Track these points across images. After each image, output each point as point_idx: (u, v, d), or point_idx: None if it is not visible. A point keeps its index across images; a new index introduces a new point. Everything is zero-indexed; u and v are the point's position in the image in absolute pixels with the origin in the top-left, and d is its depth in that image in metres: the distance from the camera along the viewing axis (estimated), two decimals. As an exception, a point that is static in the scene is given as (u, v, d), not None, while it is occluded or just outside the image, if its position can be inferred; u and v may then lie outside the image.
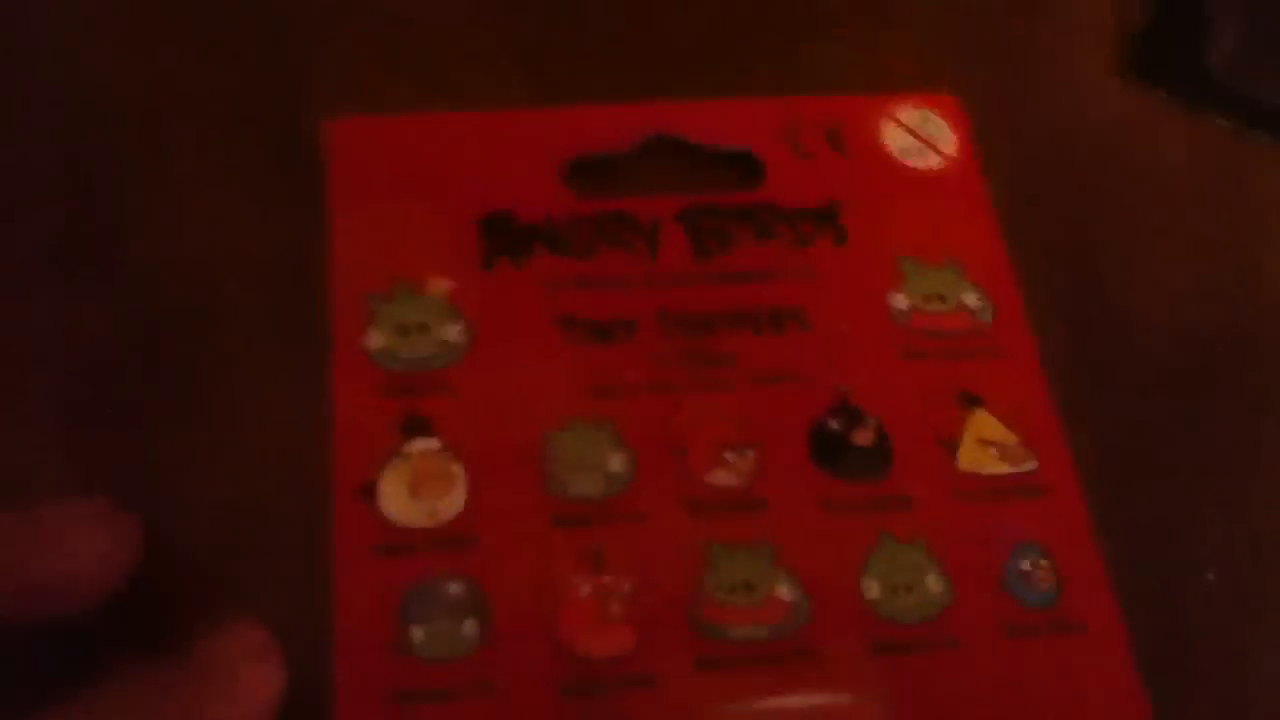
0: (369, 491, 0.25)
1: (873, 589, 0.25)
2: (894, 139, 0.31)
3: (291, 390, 0.26)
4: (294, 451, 0.26)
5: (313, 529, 0.25)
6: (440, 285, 0.28)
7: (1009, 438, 0.27)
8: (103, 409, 0.26)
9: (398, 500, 0.25)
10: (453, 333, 0.27)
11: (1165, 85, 0.33)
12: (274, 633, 0.21)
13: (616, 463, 0.26)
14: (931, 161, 0.31)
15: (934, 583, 0.25)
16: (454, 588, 0.24)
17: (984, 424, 0.27)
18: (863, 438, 0.27)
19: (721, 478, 0.26)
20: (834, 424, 0.27)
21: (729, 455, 0.26)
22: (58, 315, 0.27)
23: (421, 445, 0.26)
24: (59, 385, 0.26)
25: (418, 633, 0.24)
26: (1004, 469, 0.27)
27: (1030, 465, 0.27)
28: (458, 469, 0.26)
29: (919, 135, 0.31)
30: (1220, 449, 0.29)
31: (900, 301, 0.29)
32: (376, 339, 0.27)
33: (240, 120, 0.30)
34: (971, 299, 0.29)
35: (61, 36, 0.30)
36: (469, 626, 0.24)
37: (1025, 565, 0.26)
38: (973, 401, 0.28)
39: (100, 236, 0.28)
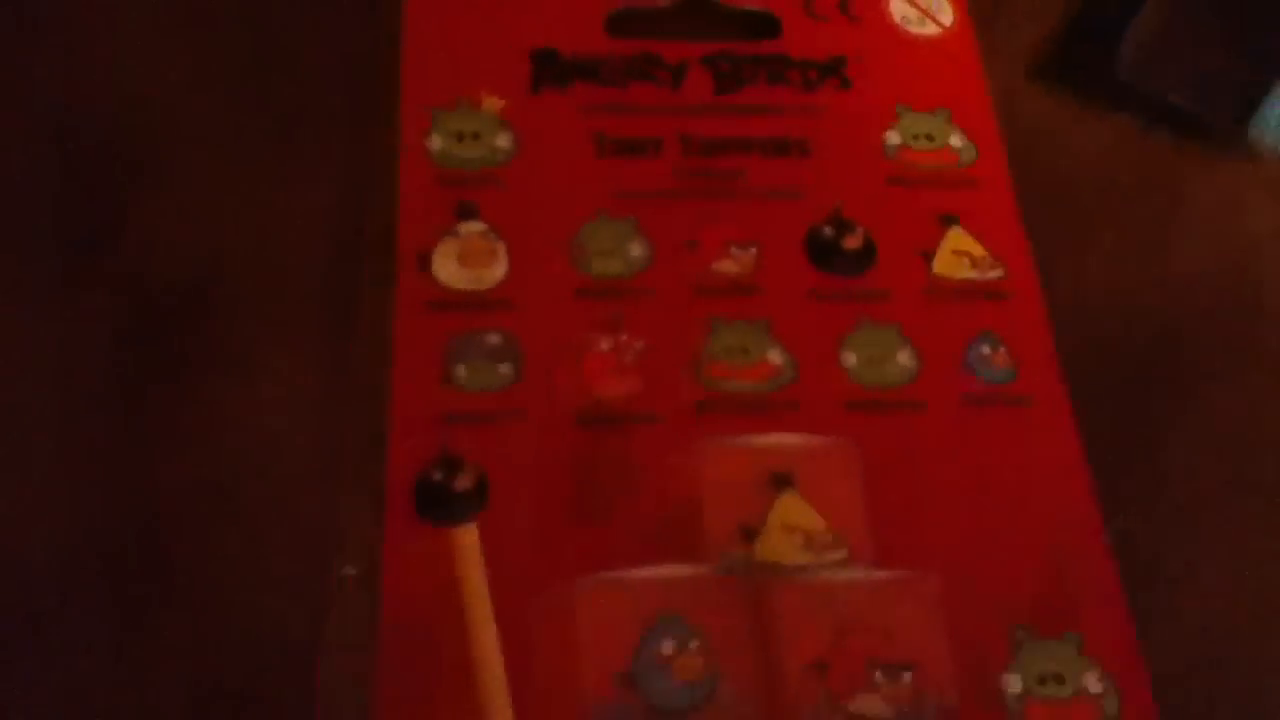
0: (424, 260, 0.30)
1: (850, 359, 0.29)
2: (898, 8, 0.35)
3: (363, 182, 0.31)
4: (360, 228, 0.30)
5: (376, 290, 0.29)
6: (494, 103, 0.32)
7: (979, 250, 0.31)
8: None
9: (448, 268, 0.30)
10: (502, 140, 0.32)
11: (1077, 87, 0.35)
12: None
13: (636, 249, 0.30)
14: (930, 30, 0.35)
15: (904, 358, 0.29)
16: (492, 338, 0.29)
17: (958, 238, 0.31)
18: (851, 242, 0.31)
19: (727, 267, 0.30)
20: (827, 230, 0.31)
21: (734, 250, 0.31)
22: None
23: (470, 226, 0.30)
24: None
25: (461, 370, 0.28)
26: (973, 275, 0.31)
27: (997, 273, 0.31)
28: (500, 247, 0.30)
29: (920, 6, 0.36)
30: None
31: (893, 138, 0.33)
32: (437, 142, 0.31)
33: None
34: (957, 140, 0.33)
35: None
36: (504, 368, 0.28)
37: (985, 349, 0.30)
38: (949, 220, 0.32)
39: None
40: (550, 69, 0.33)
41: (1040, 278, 0.31)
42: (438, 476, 0.27)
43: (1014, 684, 0.25)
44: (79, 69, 0.33)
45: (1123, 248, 0.33)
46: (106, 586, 0.26)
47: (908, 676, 0.25)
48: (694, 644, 0.25)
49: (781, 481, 0.27)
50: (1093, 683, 0.25)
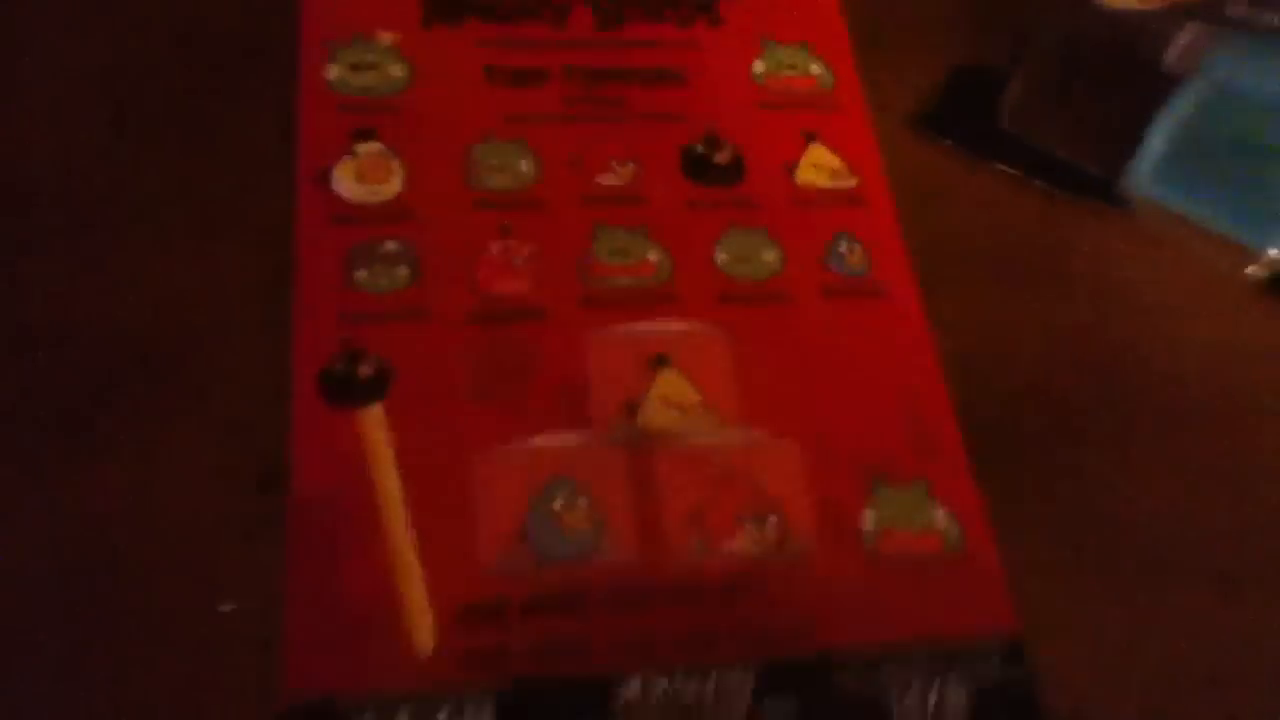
0: (324, 175, 0.32)
1: (722, 257, 0.32)
2: (764, -47, 0.39)
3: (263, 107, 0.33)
4: (264, 151, 0.32)
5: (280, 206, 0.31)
6: (388, 36, 0.35)
7: (837, 162, 0.34)
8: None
9: (347, 184, 0.32)
10: (397, 70, 0.34)
11: (953, 137, 0.36)
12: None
13: (525, 166, 0.33)
14: (793, -26, 0.39)
15: (770, 256, 0.32)
16: (390, 244, 0.31)
17: (818, 153, 0.34)
18: (721, 157, 0.34)
19: (609, 180, 0.33)
20: (700, 147, 0.34)
21: (616, 165, 0.33)
22: None
23: (368, 146, 0.33)
24: None
25: (361, 274, 0.30)
26: (831, 184, 0.34)
27: (852, 182, 0.34)
28: (397, 164, 0.32)
29: (784, -47, 0.39)
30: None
31: (759, 67, 0.36)
32: (334, 72, 0.34)
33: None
34: (816, 69, 0.36)
35: None
36: (402, 271, 0.31)
37: (842, 248, 0.33)
38: (810, 137, 0.35)
39: None
40: (441, 6, 0.35)
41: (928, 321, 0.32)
42: (341, 366, 0.29)
43: (869, 521, 0.28)
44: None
45: (1004, 295, 0.34)
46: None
47: (773, 520, 0.28)
48: (582, 501, 0.28)
49: (660, 361, 0.30)
50: (939, 519, 0.28)
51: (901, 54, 0.38)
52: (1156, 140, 0.34)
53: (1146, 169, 0.34)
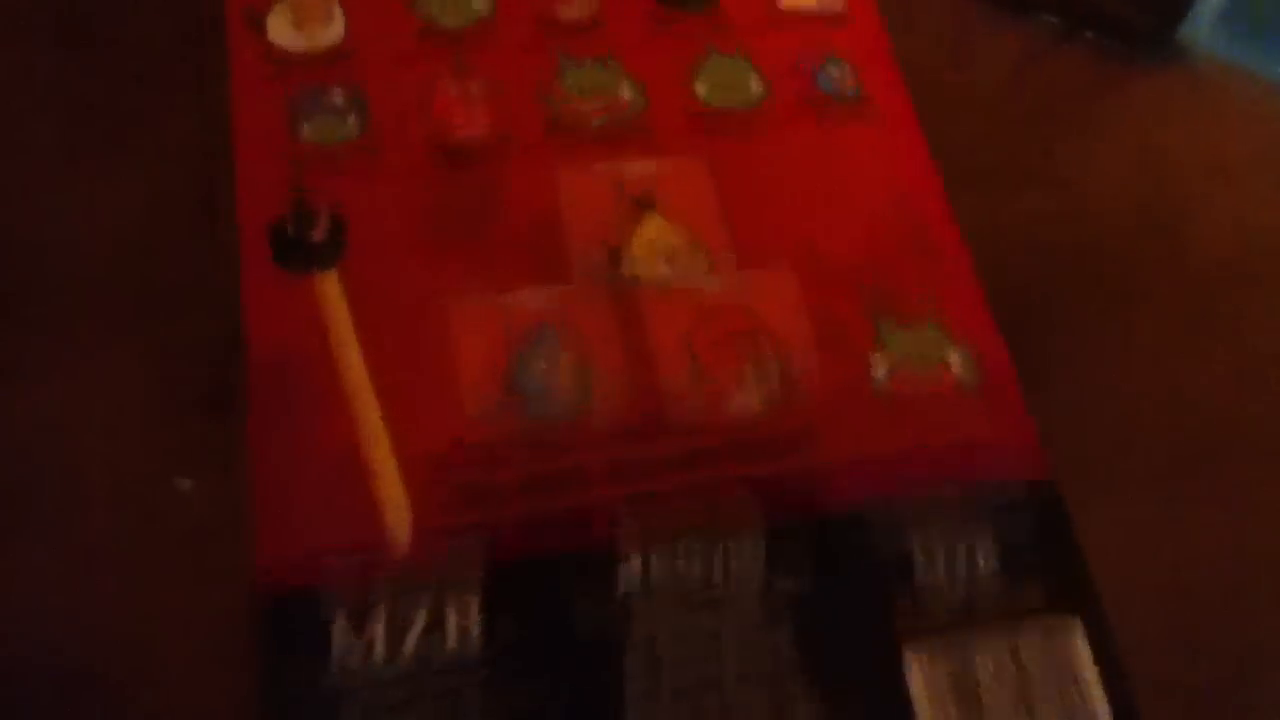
0: (256, 21, 0.29)
1: (701, 87, 0.29)
2: None
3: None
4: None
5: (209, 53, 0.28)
6: None
7: (821, -19, 0.31)
8: None
9: (283, 31, 0.29)
10: (328, -98, 0.30)
11: None
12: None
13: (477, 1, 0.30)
14: None
15: (754, 84, 0.29)
16: (335, 93, 0.28)
17: (800, -31, 0.31)
18: (695, -21, 0.31)
19: (571, 11, 0.30)
20: (669, -33, 0.31)
21: (575, -12, 0.30)
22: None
23: (303, -13, 0.29)
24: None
25: (306, 128, 0.27)
26: (814, 5, 0.31)
27: (839, 4, 0.31)
28: (335, 7, 0.29)
29: None
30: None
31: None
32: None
33: None
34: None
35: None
36: (350, 120, 0.28)
37: (833, 71, 0.30)
38: (792, -47, 0.32)
39: None
40: None
41: (955, 193, 0.29)
42: (292, 230, 0.26)
43: (879, 365, 0.26)
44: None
45: (1037, 156, 0.31)
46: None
47: (776, 366, 0.26)
48: (566, 357, 0.25)
49: (642, 204, 0.27)
50: (953, 357, 0.26)
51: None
52: None
53: (1206, 18, 0.32)
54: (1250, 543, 0.26)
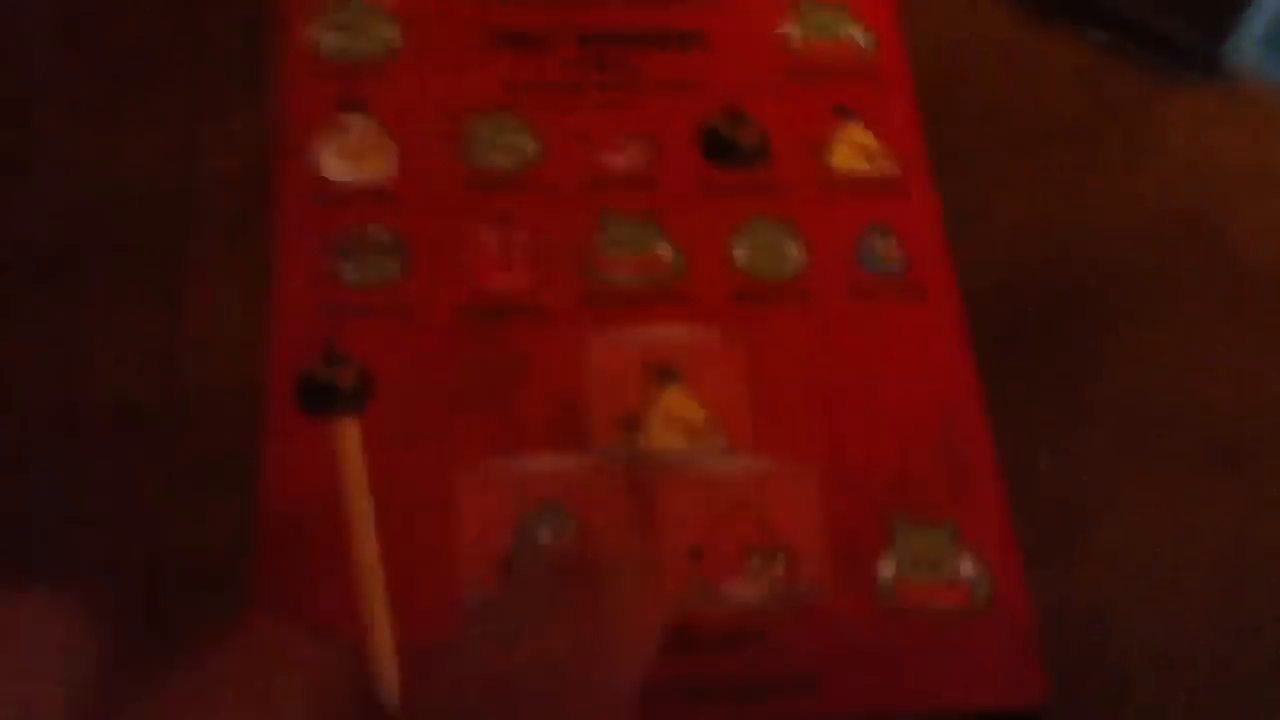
0: (307, 152, 0.29)
1: (740, 252, 0.29)
2: (803, -99, 0.35)
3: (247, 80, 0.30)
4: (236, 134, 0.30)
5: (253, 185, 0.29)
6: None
7: (875, 144, 0.31)
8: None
9: (332, 161, 0.29)
10: (389, 32, 0.31)
11: (1045, 3, 0.34)
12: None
13: (527, 143, 0.30)
14: (835, -79, 0.34)
15: (794, 250, 0.29)
16: (379, 233, 0.28)
17: (855, 132, 0.31)
18: (745, 137, 0.31)
19: (619, 161, 0.30)
20: (721, 125, 0.31)
21: (627, 143, 0.30)
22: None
23: (355, 119, 0.30)
24: None
25: (347, 266, 0.28)
26: (867, 168, 0.31)
27: (892, 168, 0.31)
28: (387, 140, 0.29)
29: (826, -102, 0.35)
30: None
31: (791, 30, 0.32)
32: (320, 33, 0.31)
33: None
34: (857, 33, 0.33)
35: None
36: (390, 263, 0.28)
37: (876, 243, 0.30)
38: (846, 114, 0.31)
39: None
40: (444, -41, 0.32)
41: (986, 196, 0.31)
42: (321, 373, 0.26)
43: (887, 568, 0.26)
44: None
45: (1082, 170, 0.32)
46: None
47: (781, 559, 0.25)
48: (571, 532, 0.25)
49: (666, 376, 0.27)
50: (966, 568, 0.26)
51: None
52: (1266, 6, 0.32)
53: (1251, 38, 0.32)
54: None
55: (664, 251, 0.29)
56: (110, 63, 0.31)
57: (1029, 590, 0.26)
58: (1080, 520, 0.27)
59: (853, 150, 0.31)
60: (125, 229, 0.29)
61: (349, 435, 0.26)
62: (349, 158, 0.29)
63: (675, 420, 0.27)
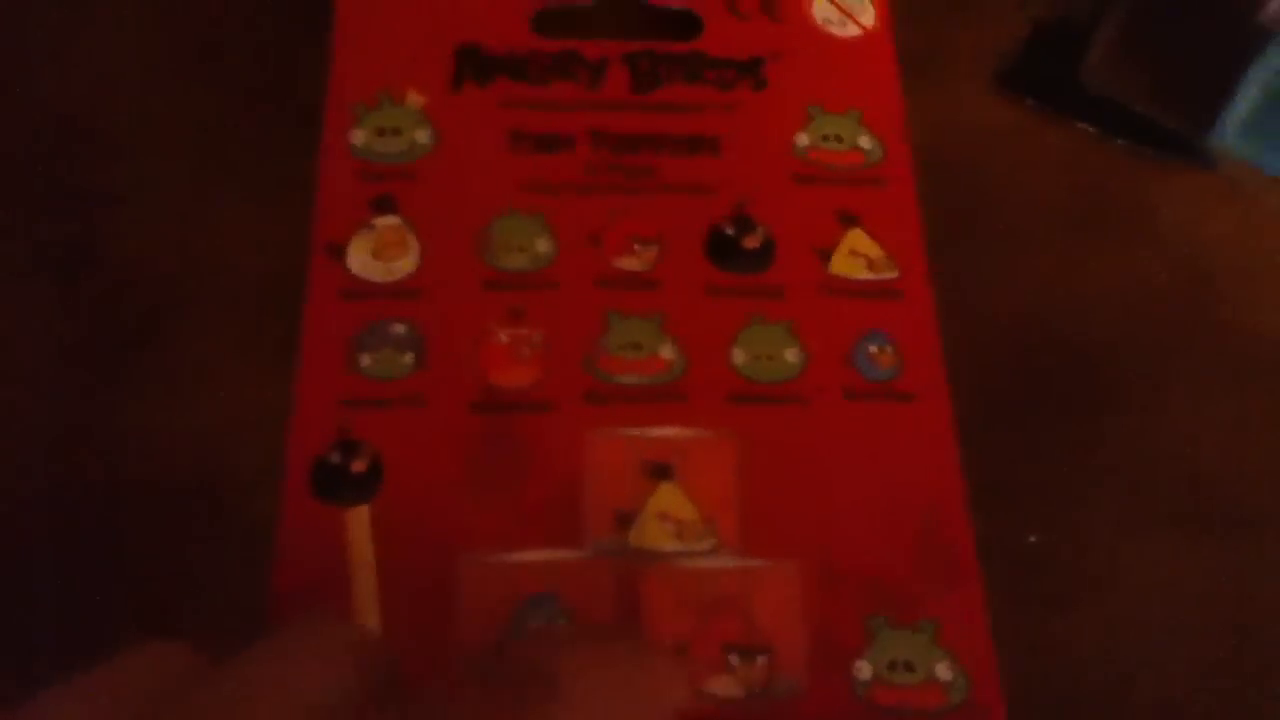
0: (338, 251, 0.31)
1: (739, 356, 0.30)
2: (820, 9, 0.36)
3: (283, 178, 0.32)
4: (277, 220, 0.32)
5: (287, 282, 0.31)
6: (416, 98, 0.34)
7: (877, 251, 0.32)
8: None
9: (361, 259, 0.31)
10: (422, 136, 0.33)
11: (1035, 95, 0.36)
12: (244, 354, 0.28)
13: (543, 244, 0.32)
14: (851, 31, 0.36)
15: (791, 355, 0.30)
16: (398, 328, 0.30)
17: (857, 239, 0.32)
18: (750, 242, 0.32)
19: (628, 263, 0.32)
20: (728, 229, 0.32)
21: (637, 245, 0.32)
22: None
23: (386, 220, 0.32)
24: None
25: (365, 358, 0.30)
26: (868, 275, 0.32)
27: (892, 274, 0.32)
28: (413, 239, 0.31)
29: (842, 7, 0.36)
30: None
31: (803, 139, 0.34)
32: (359, 136, 0.33)
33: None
34: (865, 141, 0.34)
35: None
36: (407, 357, 0.30)
37: (872, 348, 0.31)
38: (850, 220, 0.32)
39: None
40: (473, 65, 0.34)
41: (985, 285, 0.33)
42: (335, 459, 0.28)
43: (864, 670, 0.26)
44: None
45: (1076, 256, 0.34)
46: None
47: (761, 660, 0.26)
48: (562, 623, 0.27)
49: (660, 472, 0.29)
50: (943, 671, 0.27)
51: (983, 11, 0.38)
52: (1247, 96, 0.33)
53: (1235, 125, 0.33)
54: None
55: (666, 353, 0.30)
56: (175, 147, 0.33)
57: (1003, 689, 0.26)
58: (1075, 589, 0.29)
59: (854, 257, 0.32)
60: (157, 315, 0.31)
61: (359, 521, 0.28)
62: (376, 256, 0.31)
63: (667, 517, 0.28)
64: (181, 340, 0.31)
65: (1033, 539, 0.29)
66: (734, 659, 0.26)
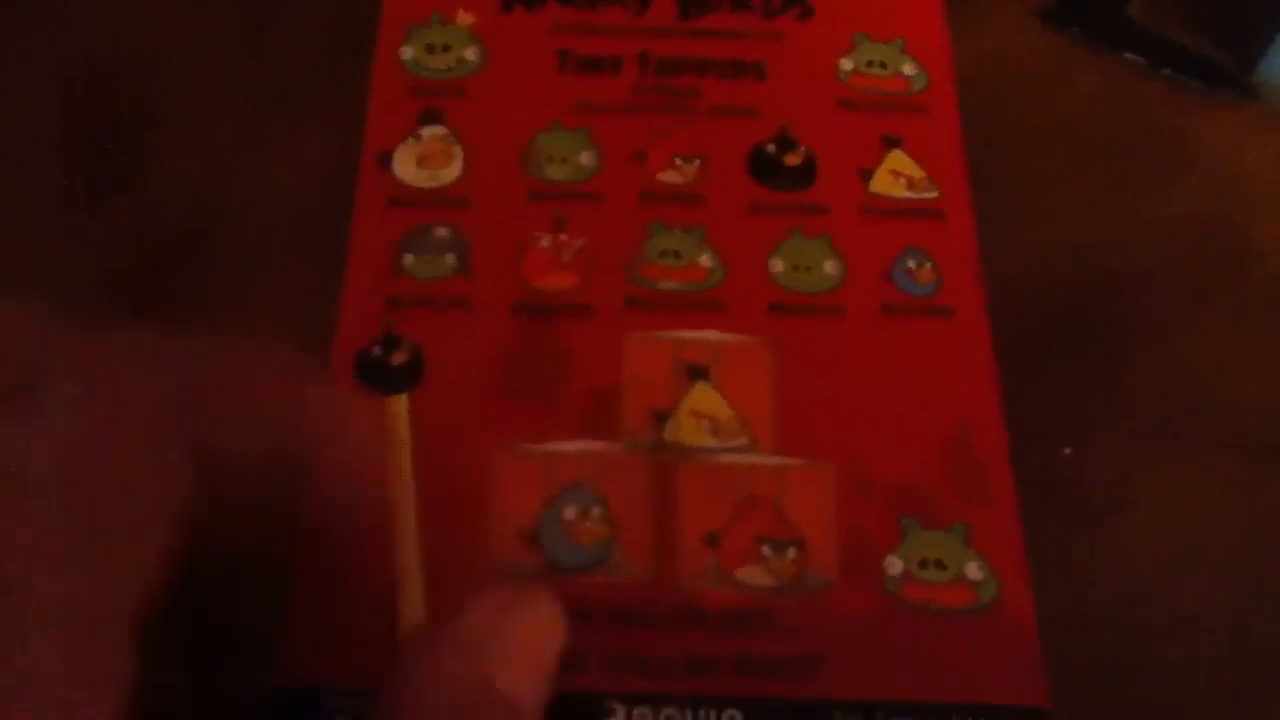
0: (386, 158, 0.32)
1: (778, 265, 0.31)
2: (866, -56, 0.37)
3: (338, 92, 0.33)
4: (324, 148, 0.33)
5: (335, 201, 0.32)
6: (466, 18, 0.34)
7: (918, 172, 0.32)
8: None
9: (407, 167, 0.32)
10: (471, 54, 0.34)
11: (1081, 25, 0.36)
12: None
13: (587, 157, 0.32)
14: (897, -36, 0.36)
15: (831, 267, 0.31)
16: (441, 231, 0.31)
17: (898, 159, 0.32)
18: (792, 159, 0.32)
19: (670, 177, 0.32)
20: (770, 147, 0.32)
21: (679, 161, 0.32)
22: None
23: (432, 130, 0.32)
24: None
25: (409, 259, 0.30)
26: (908, 194, 0.32)
27: (932, 194, 0.32)
28: (458, 150, 0.32)
29: (889, -59, 0.37)
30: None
31: (847, 64, 0.34)
32: (409, 52, 0.34)
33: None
34: (909, 68, 0.34)
35: None
36: (450, 259, 0.30)
37: (911, 264, 0.31)
38: (892, 142, 0.33)
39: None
40: (523, -12, 0.35)
41: (1023, 213, 0.32)
42: (376, 351, 0.29)
43: (895, 565, 0.26)
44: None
45: (1115, 187, 0.34)
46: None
47: (793, 552, 0.27)
48: (596, 510, 0.27)
49: (696, 372, 0.29)
50: (973, 571, 0.27)
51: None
52: None
53: None
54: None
55: (706, 261, 0.31)
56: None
57: (1034, 595, 0.26)
58: (1104, 506, 0.29)
59: (894, 176, 0.32)
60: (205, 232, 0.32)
61: (399, 410, 0.28)
62: (422, 164, 0.32)
63: (701, 415, 0.28)
64: (226, 257, 0.31)
65: (1068, 451, 0.29)
66: (765, 549, 0.27)
